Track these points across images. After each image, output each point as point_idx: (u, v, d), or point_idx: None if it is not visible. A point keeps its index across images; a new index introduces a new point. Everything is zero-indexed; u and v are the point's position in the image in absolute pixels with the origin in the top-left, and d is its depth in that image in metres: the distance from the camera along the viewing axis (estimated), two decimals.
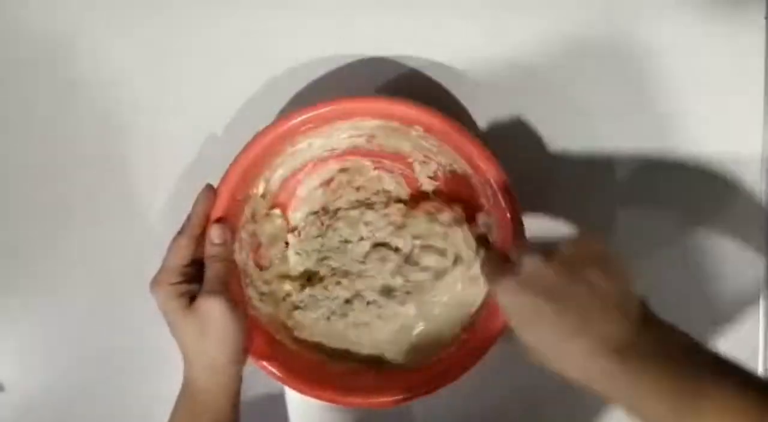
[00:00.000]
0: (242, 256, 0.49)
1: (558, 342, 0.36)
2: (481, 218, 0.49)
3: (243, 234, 0.49)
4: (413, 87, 0.53)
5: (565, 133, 0.53)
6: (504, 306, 0.38)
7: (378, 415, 0.54)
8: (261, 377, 0.48)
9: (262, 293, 0.51)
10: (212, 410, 0.44)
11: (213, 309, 0.43)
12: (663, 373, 0.34)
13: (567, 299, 0.35)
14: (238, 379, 0.45)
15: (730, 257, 0.53)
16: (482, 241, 0.49)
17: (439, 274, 0.51)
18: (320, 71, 0.53)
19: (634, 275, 0.36)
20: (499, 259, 0.43)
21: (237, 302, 0.44)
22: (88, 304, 0.55)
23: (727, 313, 0.53)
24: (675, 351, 0.34)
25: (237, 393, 0.45)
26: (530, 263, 0.37)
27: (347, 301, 0.52)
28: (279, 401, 0.55)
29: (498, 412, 0.54)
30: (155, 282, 0.44)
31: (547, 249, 0.37)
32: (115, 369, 0.55)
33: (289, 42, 0.54)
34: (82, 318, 0.55)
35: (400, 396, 0.47)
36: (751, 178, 0.53)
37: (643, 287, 0.37)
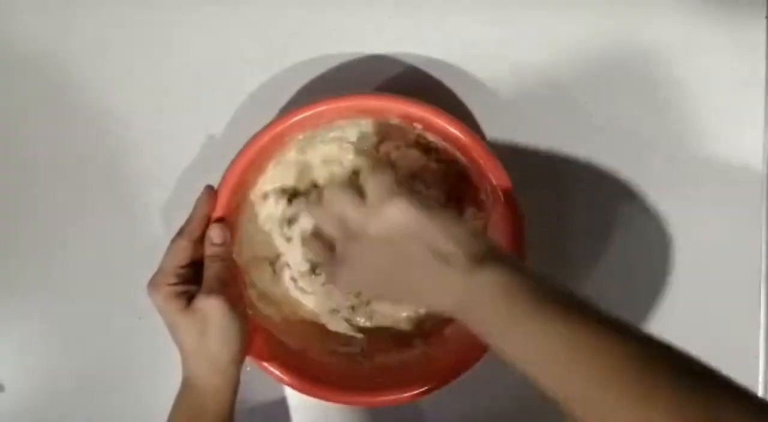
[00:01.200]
0: (242, 256, 0.49)
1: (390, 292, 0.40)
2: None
3: (242, 234, 0.49)
4: (413, 85, 0.53)
5: (566, 132, 0.53)
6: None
7: (380, 414, 0.54)
8: (262, 376, 0.48)
9: (261, 293, 0.51)
10: (212, 409, 0.44)
11: (213, 309, 0.43)
12: (503, 309, 0.34)
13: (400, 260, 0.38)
14: (237, 379, 0.45)
15: (729, 258, 0.53)
16: None
17: None
18: (323, 69, 0.53)
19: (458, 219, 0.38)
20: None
21: (236, 302, 0.45)
22: (88, 304, 0.55)
23: (725, 317, 0.54)
24: (520, 293, 0.34)
25: (235, 393, 0.46)
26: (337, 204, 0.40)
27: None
28: (281, 400, 0.55)
29: (502, 410, 0.54)
30: (153, 284, 0.44)
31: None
32: (115, 369, 0.55)
33: (291, 40, 0.53)
34: (82, 318, 0.55)
35: (403, 394, 0.47)
36: (751, 178, 0.53)
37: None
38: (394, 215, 0.37)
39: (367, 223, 0.38)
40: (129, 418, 0.55)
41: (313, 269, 0.53)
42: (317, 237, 0.44)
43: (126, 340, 0.55)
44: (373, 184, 0.39)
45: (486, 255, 0.35)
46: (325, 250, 0.42)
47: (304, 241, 0.49)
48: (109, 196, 0.54)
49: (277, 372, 0.47)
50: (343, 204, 0.40)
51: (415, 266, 0.37)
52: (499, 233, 0.47)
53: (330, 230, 0.42)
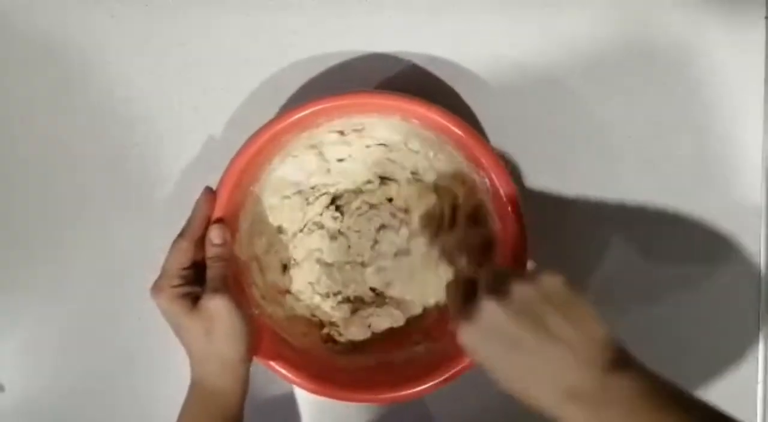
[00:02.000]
0: (244, 256, 0.49)
1: (523, 389, 0.36)
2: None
3: (243, 234, 0.49)
4: (414, 83, 0.53)
5: (566, 130, 0.54)
6: (467, 350, 0.38)
7: (386, 410, 0.54)
8: (269, 374, 0.48)
9: (264, 292, 0.51)
10: (225, 409, 0.45)
11: (219, 308, 0.43)
12: (627, 418, 0.33)
13: (528, 348, 0.35)
14: (247, 377, 0.46)
15: (728, 260, 0.54)
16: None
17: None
18: (323, 68, 0.53)
19: (599, 318, 0.36)
20: (461, 292, 0.40)
21: (241, 301, 0.45)
22: (88, 304, 0.54)
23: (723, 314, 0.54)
24: (651, 398, 0.34)
25: (246, 391, 0.46)
26: (489, 311, 0.36)
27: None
28: (287, 397, 0.55)
29: (509, 407, 0.54)
30: (156, 287, 0.44)
31: (504, 287, 0.36)
32: (116, 369, 0.55)
33: (292, 39, 0.53)
34: (82, 318, 0.54)
35: (410, 391, 0.47)
36: (751, 178, 0.53)
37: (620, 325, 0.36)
38: (554, 284, 0.36)
39: (517, 283, 0.36)
40: (129, 418, 0.55)
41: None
42: (458, 284, 0.41)
43: (126, 341, 0.55)
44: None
45: (620, 359, 0.35)
46: (460, 302, 0.39)
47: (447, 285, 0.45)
48: (109, 197, 0.54)
49: (282, 371, 0.48)
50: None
51: (548, 345, 0.35)
52: (504, 241, 0.47)
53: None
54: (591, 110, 0.53)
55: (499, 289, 0.36)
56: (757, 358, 0.54)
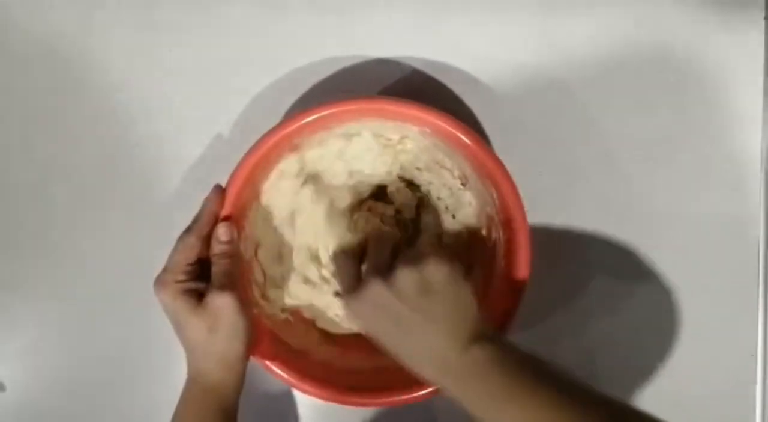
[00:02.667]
0: (247, 255, 0.49)
1: (407, 362, 0.41)
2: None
3: (248, 233, 0.49)
4: (417, 87, 0.53)
5: (568, 133, 0.54)
6: (353, 319, 0.44)
7: (385, 413, 0.54)
8: (265, 374, 0.48)
9: (264, 293, 0.51)
10: (222, 404, 0.44)
11: (225, 305, 0.43)
12: (477, 392, 0.38)
13: (407, 325, 0.40)
14: (244, 375, 0.46)
15: (727, 259, 0.53)
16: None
17: None
18: (327, 72, 0.54)
19: (473, 302, 0.41)
20: (355, 271, 0.45)
21: (244, 300, 0.45)
22: (89, 304, 0.55)
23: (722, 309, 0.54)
24: (503, 365, 0.38)
25: (241, 389, 0.46)
26: (374, 289, 0.40)
27: None
28: (284, 398, 0.54)
29: None
30: (160, 282, 0.44)
31: (391, 270, 0.40)
32: (116, 369, 0.55)
33: (295, 43, 0.54)
34: (82, 317, 0.55)
35: (406, 396, 0.47)
36: (750, 178, 0.53)
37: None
38: (435, 274, 0.40)
39: (404, 268, 0.40)
40: (130, 418, 0.55)
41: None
42: (349, 259, 0.46)
43: (127, 340, 0.55)
44: (426, 238, 0.49)
45: (482, 335, 0.40)
46: (354, 279, 0.44)
47: (334, 259, 0.50)
48: (109, 197, 0.55)
49: (279, 372, 0.47)
50: (387, 244, 0.44)
51: (425, 324, 0.40)
52: (509, 249, 0.47)
53: (370, 261, 0.44)
54: (591, 112, 0.54)
55: (385, 270, 0.41)
56: (756, 358, 0.53)
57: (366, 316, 0.42)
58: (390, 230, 0.51)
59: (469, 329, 0.40)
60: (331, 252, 0.52)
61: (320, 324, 0.53)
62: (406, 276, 0.40)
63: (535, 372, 0.38)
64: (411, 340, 0.40)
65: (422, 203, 0.53)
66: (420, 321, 0.39)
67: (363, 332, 0.42)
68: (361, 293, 0.41)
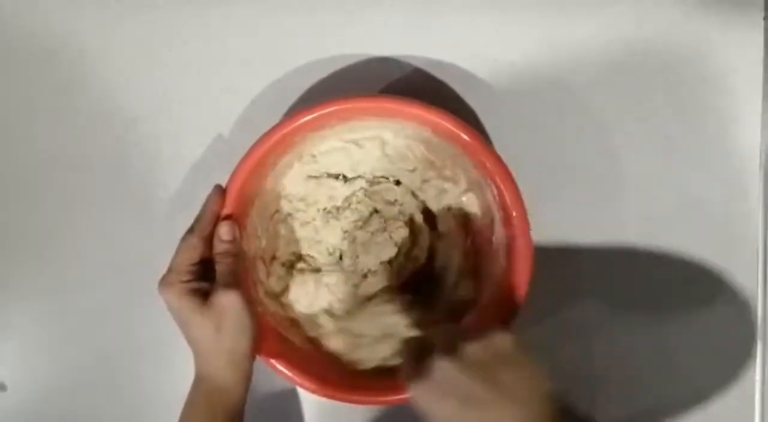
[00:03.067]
0: (249, 253, 0.50)
1: None
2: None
3: (250, 232, 0.49)
4: (417, 86, 0.53)
5: (572, 136, 0.54)
6: (419, 407, 0.38)
7: (388, 412, 0.54)
8: (269, 372, 0.48)
9: (268, 291, 0.51)
10: (229, 403, 0.45)
11: (231, 304, 0.43)
12: None
13: (480, 404, 0.36)
14: (251, 373, 0.46)
15: (727, 261, 0.53)
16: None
17: None
18: (327, 71, 0.54)
19: (543, 375, 0.38)
20: (414, 352, 0.41)
21: (248, 298, 0.45)
22: (89, 304, 0.55)
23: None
24: None
25: (249, 387, 0.46)
26: (442, 369, 0.37)
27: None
28: (288, 396, 0.55)
29: None
30: (165, 283, 0.44)
31: (456, 346, 0.37)
32: (116, 368, 0.55)
33: (295, 42, 0.54)
34: (83, 317, 0.55)
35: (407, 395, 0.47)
36: (750, 178, 0.54)
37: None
38: (504, 344, 0.38)
39: (470, 341, 0.38)
40: (130, 418, 0.55)
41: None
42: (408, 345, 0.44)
43: (127, 339, 0.55)
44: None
45: (557, 412, 0.37)
46: (414, 362, 0.40)
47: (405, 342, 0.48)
48: (110, 197, 0.55)
49: (283, 370, 0.47)
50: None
51: (501, 401, 0.37)
52: (510, 248, 0.47)
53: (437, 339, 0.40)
54: (592, 111, 0.54)
55: (451, 348, 0.38)
56: (756, 359, 0.53)
57: (433, 400, 0.38)
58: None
59: (546, 406, 0.37)
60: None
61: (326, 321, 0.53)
62: (474, 349, 0.37)
63: None
64: (483, 419, 0.37)
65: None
66: (495, 398, 0.36)
67: (430, 419, 0.38)
68: (425, 375, 0.38)
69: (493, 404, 0.36)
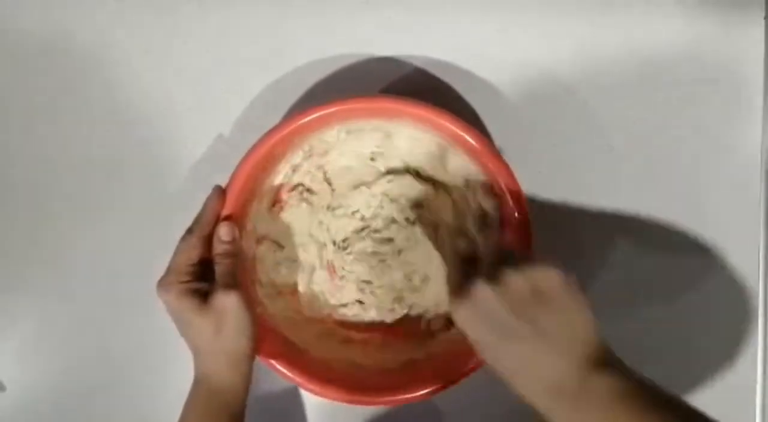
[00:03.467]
0: (249, 254, 0.49)
1: (510, 377, 0.37)
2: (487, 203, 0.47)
3: (249, 232, 0.49)
4: (419, 86, 0.53)
5: (569, 133, 0.54)
6: (460, 327, 0.39)
7: (388, 412, 0.54)
8: (270, 372, 0.48)
9: (268, 291, 0.51)
10: (228, 404, 0.45)
11: (231, 305, 0.43)
12: (605, 419, 0.34)
13: (517, 339, 0.36)
14: (251, 372, 0.46)
15: (727, 259, 0.53)
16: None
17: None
18: (328, 71, 0.54)
19: (591, 317, 0.36)
20: (460, 270, 0.41)
21: (247, 298, 0.45)
22: (89, 304, 0.55)
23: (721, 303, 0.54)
24: (629, 399, 0.35)
25: (249, 387, 0.46)
26: (483, 295, 0.37)
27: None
28: (288, 396, 0.54)
29: (512, 409, 0.54)
30: (164, 283, 0.44)
31: (501, 274, 0.36)
32: (116, 369, 0.55)
33: (296, 42, 0.54)
34: (82, 317, 0.55)
35: (409, 395, 0.47)
36: (750, 177, 0.54)
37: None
38: (549, 280, 0.36)
39: (514, 271, 0.36)
40: (129, 418, 0.55)
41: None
42: (456, 260, 0.42)
43: (127, 340, 0.55)
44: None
45: (602, 358, 0.36)
46: (459, 282, 0.39)
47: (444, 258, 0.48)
48: (115, 195, 0.54)
49: (283, 370, 0.47)
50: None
51: (535, 339, 0.36)
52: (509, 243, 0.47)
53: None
54: (592, 111, 0.54)
55: (495, 275, 0.37)
56: (756, 358, 0.53)
57: (471, 324, 0.38)
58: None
59: (588, 352, 0.36)
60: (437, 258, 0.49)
61: (325, 320, 0.53)
62: (516, 280, 0.36)
63: (664, 410, 0.35)
64: (519, 357, 0.36)
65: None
66: (529, 335, 0.36)
67: (469, 340, 0.38)
68: (466, 298, 0.37)
69: (527, 341, 0.35)
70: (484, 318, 0.37)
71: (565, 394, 0.35)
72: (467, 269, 0.41)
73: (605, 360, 0.36)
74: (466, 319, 0.38)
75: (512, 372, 0.37)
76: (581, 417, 0.35)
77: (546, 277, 0.37)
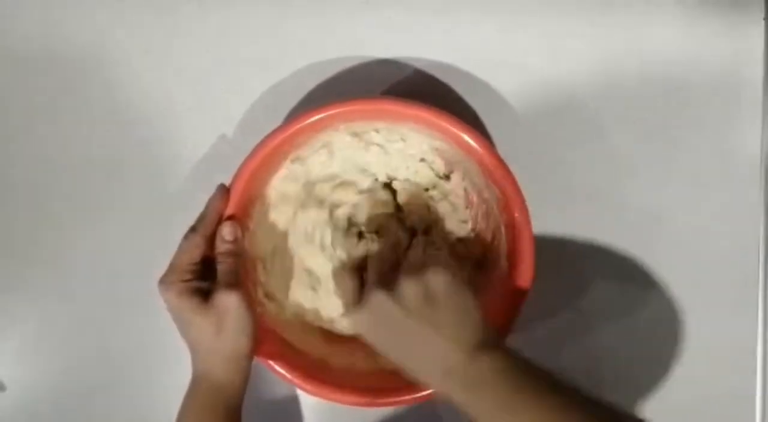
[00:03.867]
0: (251, 254, 0.49)
1: (410, 369, 0.41)
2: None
3: (252, 232, 0.49)
4: (420, 88, 0.54)
5: (573, 137, 0.54)
6: (358, 332, 0.44)
7: (388, 414, 0.54)
8: (268, 373, 0.48)
9: (267, 292, 0.51)
10: (227, 402, 0.45)
11: (232, 304, 0.43)
12: (485, 400, 0.38)
13: (410, 333, 0.40)
14: (249, 373, 0.46)
15: (727, 259, 0.53)
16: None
17: None
18: (329, 73, 0.54)
19: (477, 310, 0.40)
20: (356, 283, 0.45)
21: (248, 298, 0.45)
22: (89, 304, 0.55)
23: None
24: (512, 376, 0.38)
25: (246, 388, 0.46)
26: (377, 298, 0.41)
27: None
28: (287, 397, 0.54)
29: None
30: (166, 282, 0.44)
31: (393, 282, 0.41)
32: (116, 368, 0.55)
33: (297, 43, 0.54)
34: (82, 317, 0.55)
35: (408, 396, 0.47)
36: (750, 178, 0.53)
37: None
38: (437, 284, 0.40)
39: (406, 279, 0.41)
40: (129, 418, 0.55)
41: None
42: (350, 274, 0.46)
43: (127, 340, 0.54)
44: (419, 245, 0.49)
45: (487, 342, 0.40)
46: (356, 293, 0.44)
47: (335, 274, 0.51)
48: (116, 195, 0.54)
49: (282, 371, 0.47)
50: (387, 256, 0.44)
51: (429, 333, 0.40)
52: (512, 250, 0.47)
53: (372, 274, 0.45)
54: (592, 111, 0.54)
55: (388, 281, 0.41)
56: (757, 359, 0.53)
57: (370, 328, 0.42)
58: (392, 239, 0.51)
59: (474, 337, 0.40)
60: (331, 269, 0.52)
61: (322, 325, 0.53)
62: (408, 286, 0.40)
63: (542, 382, 0.39)
64: (416, 350, 0.40)
65: (428, 208, 0.53)
66: (424, 330, 0.40)
67: (369, 343, 0.43)
68: (364, 306, 0.41)
69: (418, 333, 0.40)
70: (380, 321, 0.41)
71: (457, 376, 0.39)
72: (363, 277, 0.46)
73: (490, 343, 0.40)
74: (362, 323, 0.42)
75: (413, 367, 0.41)
76: (473, 396, 0.39)
77: (435, 281, 0.40)
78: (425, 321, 0.40)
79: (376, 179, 0.53)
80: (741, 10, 0.53)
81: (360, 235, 0.52)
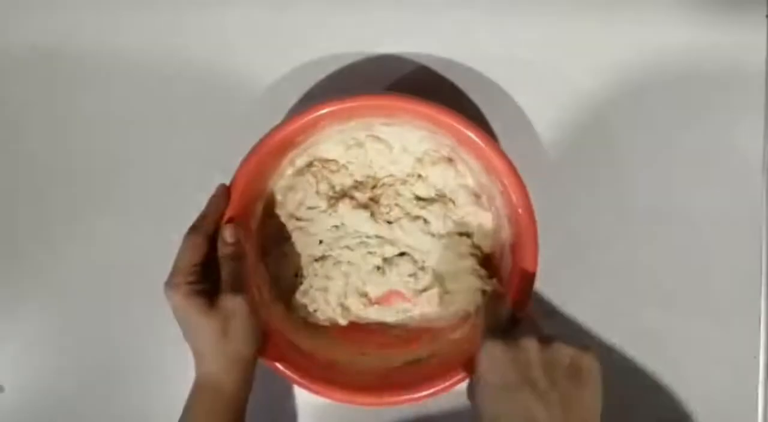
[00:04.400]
0: (253, 255, 0.49)
1: (487, 416, 0.39)
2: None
3: (253, 233, 0.49)
4: (423, 84, 0.53)
5: (575, 134, 0.54)
6: (483, 357, 0.40)
7: (390, 414, 0.54)
8: (273, 375, 0.48)
9: (270, 293, 0.51)
10: (231, 405, 0.44)
11: (238, 307, 0.43)
12: None
13: (526, 390, 0.38)
14: (253, 374, 0.46)
15: (728, 259, 0.54)
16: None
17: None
18: (331, 69, 0.53)
19: (599, 404, 0.39)
20: (499, 310, 0.44)
21: (252, 300, 0.45)
22: (89, 305, 0.54)
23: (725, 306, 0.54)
24: None
25: (250, 390, 0.46)
26: (529, 345, 0.39)
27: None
28: (291, 399, 0.54)
29: None
30: (172, 284, 0.44)
31: (556, 341, 0.39)
32: (116, 369, 0.54)
33: (299, 40, 0.54)
34: (82, 318, 0.54)
35: (412, 395, 0.47)
36: (751, 178, 0.54)
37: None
38: (589, 364, 0.39)
39: (563, 343, 0.39)
40: (129, 418, 0.54)
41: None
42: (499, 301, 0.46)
43: (126, 340, 0.54)
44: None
45: None
46: (500, 322, 0.43)
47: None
48: (116, 196, 0.54)
49: (286, 372, 0.47)
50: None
51: (558, 408, 0.38)
52: (516, 244, 0.47)
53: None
54: (594, 111, 0.54)
55: (544, 337, 0.40)
56: (759, 359, 0.54)
57: (500, 363, 0.39)
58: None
59: None
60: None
61: (328, 326, 0.53)
62: (562, 352, 0.39)
63: None
64: (519, 405, 0.38)
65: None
66: (555, 401, 0.38)
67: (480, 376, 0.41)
68: (512, 344, 0.39)
69: (550, 407, 0.37)
70: (518, 364, 0.39)
71: None
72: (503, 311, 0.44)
73: None
74: (498, 357, 0.39)
75: (500, 416, 0.38)
76: None
77: (590, 360, 0.39)
78: (559, 391, 0.38)
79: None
80: (742, 10, 0.53)
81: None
